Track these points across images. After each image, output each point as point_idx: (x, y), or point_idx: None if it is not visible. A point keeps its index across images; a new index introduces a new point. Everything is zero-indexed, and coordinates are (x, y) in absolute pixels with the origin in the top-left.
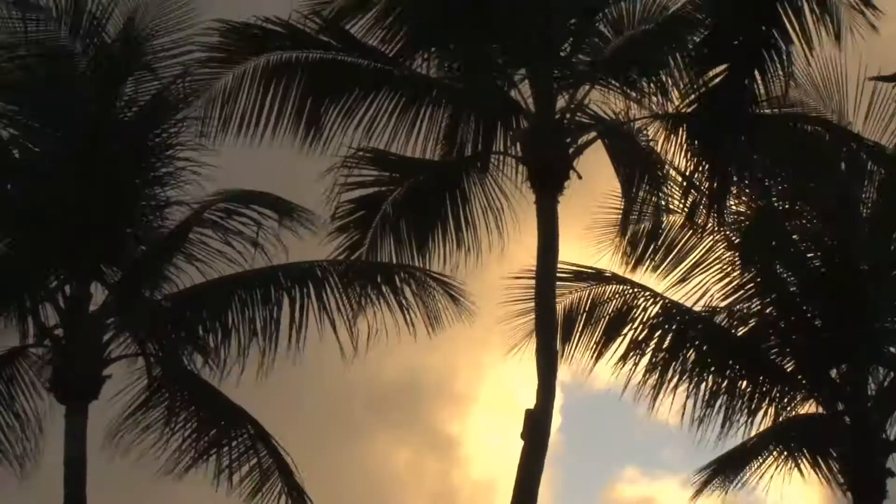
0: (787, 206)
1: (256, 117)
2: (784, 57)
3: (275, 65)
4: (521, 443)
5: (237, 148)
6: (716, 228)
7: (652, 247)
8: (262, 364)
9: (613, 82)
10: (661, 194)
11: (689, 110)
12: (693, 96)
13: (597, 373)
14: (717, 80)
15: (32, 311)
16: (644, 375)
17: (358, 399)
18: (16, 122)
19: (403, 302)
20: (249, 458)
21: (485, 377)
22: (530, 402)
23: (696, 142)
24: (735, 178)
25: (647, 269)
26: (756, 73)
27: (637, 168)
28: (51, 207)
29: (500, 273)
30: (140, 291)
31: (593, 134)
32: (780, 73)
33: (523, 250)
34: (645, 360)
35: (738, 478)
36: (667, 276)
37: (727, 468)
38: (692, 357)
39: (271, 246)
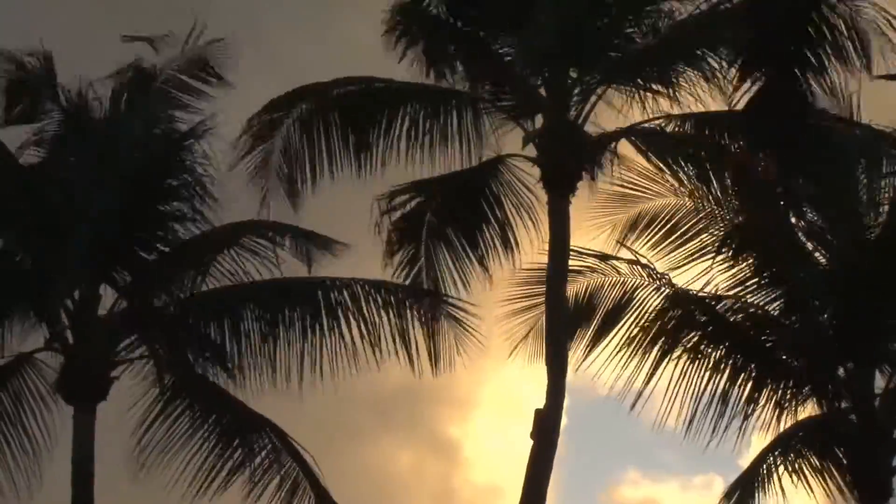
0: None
1: (312, 164)
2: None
3: (308, 112)
4: (522, 446)
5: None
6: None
7: (653, 228)
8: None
9: (631, 84)
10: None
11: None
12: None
13: (601, 374)
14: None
15: (42, 315)
16: (646, 368)
17: (360, 403)
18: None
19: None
20: (276, 467)
21: (486, 380)
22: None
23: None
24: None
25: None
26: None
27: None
28: (64, 212)
29: (500, 276)
30: (152, 295)
31: (609, 134)
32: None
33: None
34: (647, 351)
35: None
36: (663, 258)
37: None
38: (694, 349)
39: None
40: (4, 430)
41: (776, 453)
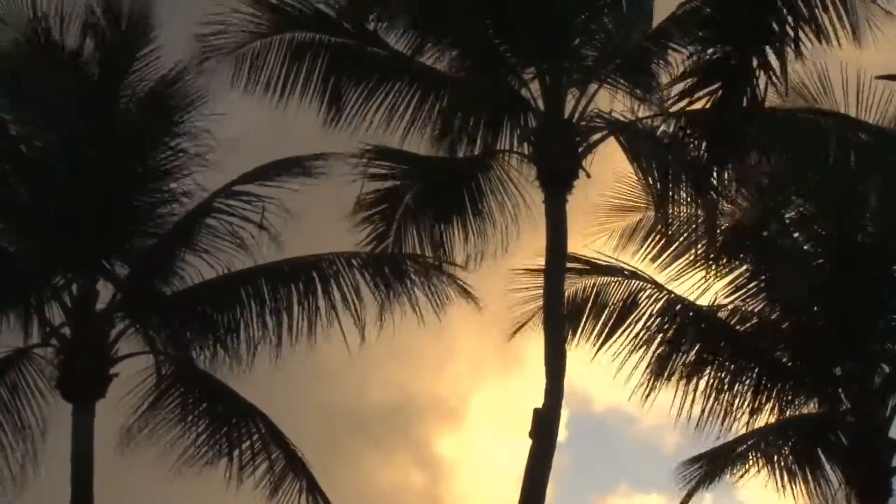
0: (791, 201)
1: (283, 85)
2: (788, 49)
3: (299, 42)
4: (514, 459)
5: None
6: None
7: (651, 239)
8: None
9: (623, 80)
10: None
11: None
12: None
13: (597, 386)
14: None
15: (38, 310)
16: (645, 370)
17: (348, 419)
18: (23, 120)
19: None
20: (264, 455)
21: (474, 394)
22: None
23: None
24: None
25: (642, 259)
26: (757, 63)
27: (666, 163)
28: (57, 204)
29: (496, 285)
30: (148, 287)
31: (603, 132)
32: (783, 64)
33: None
34: (647, 354)
35: (728, 474)
36: (663, 270)
37: (718, 463)
38: (694, 352)
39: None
40: (4, 420)
41: (761, 449)
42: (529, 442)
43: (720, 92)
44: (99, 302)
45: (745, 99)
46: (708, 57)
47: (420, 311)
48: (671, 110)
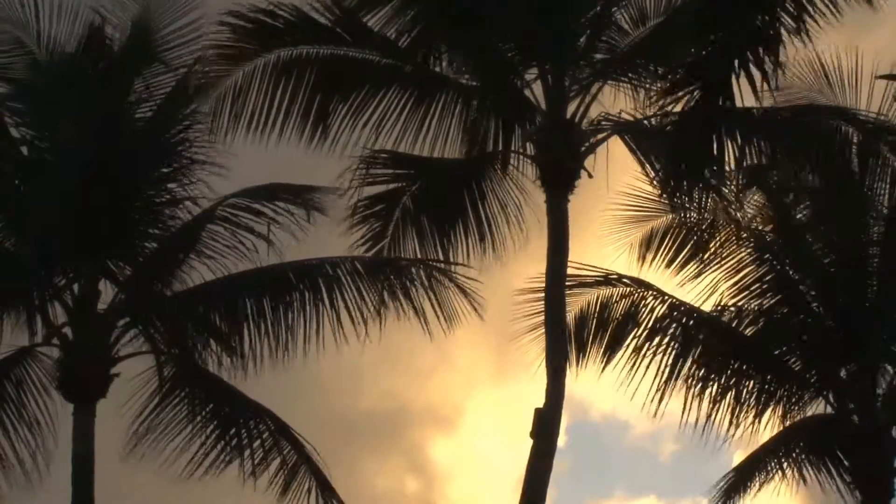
0: (798, 204)
1: (266, 114)
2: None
3: (285, 61)
4: (504, 469)
5: (250, 145)
6: (721, 223)
7: (665, 244)
8: (278, 358)
9: (627, 79)
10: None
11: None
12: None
13: (597, 396)
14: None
15: (41, 310)
16: (653, 377)
17: (342, 425)
18: (25, 120)
19: (415, 298)
20: (275, 454)
21: (471, 402)
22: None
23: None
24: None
25: (659, 266)
26: (749, 57)
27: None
28: (60, 205)
29: (495, 289)
30: (150, 288)
31: (606, 132)
32: (772, 59)
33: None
34: (652, 361)
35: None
36: (678, 273)
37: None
38: (699, 357)
39: (286, 237)
40: (7, 420)
41: (779, 453)
42: (524, 447)
43: (698, 92)
44: (101, 302)
45: (720, 99)
46: (691, 57)
47: (424, 318)
48: (663, 109)
